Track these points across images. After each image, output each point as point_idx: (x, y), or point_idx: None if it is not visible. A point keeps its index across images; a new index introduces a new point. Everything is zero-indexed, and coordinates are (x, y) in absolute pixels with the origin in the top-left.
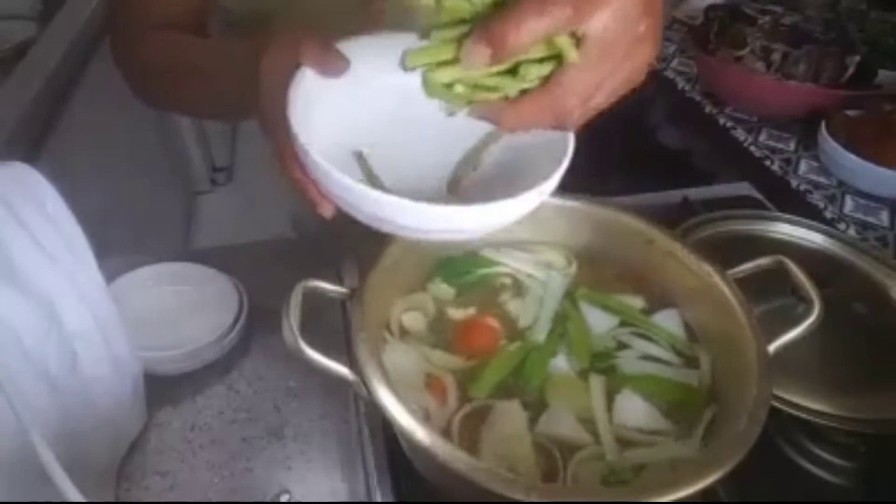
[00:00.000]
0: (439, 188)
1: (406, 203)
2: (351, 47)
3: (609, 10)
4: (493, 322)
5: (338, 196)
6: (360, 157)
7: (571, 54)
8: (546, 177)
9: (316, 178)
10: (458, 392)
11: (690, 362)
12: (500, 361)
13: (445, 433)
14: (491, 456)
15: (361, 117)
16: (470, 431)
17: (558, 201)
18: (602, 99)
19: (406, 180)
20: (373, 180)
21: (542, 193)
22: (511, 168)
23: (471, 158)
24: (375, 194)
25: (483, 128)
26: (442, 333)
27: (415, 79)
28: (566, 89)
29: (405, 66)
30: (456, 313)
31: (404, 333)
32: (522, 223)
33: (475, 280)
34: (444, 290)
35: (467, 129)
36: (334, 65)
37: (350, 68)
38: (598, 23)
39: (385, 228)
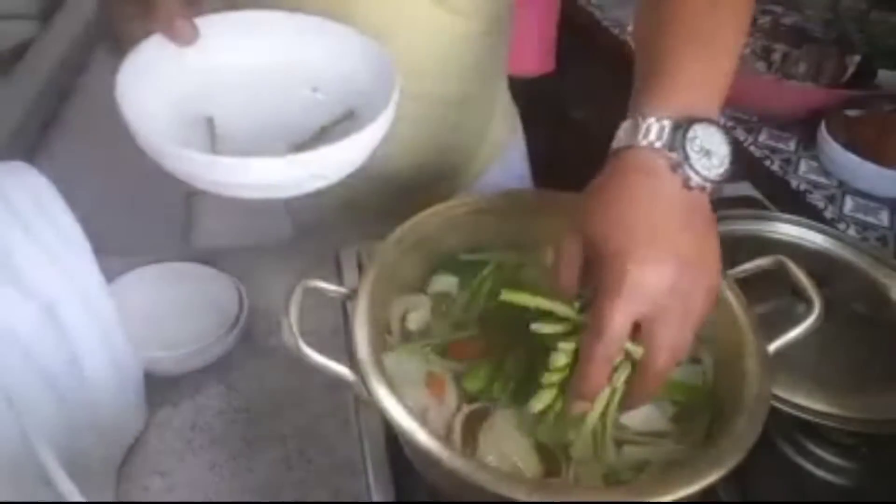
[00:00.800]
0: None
1: (218, 159)
2: (208, 21)
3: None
4: None
5: (161, 158)
6: (209, 122)
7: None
8: (356, 132)
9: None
10: (458, 392)
11: (691, 362)
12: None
13: (445, 433)
14: (491, 456)
15: (212, 88)
16: (470, 431)
17: (560, 201)
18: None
19: (247, 150)
20: (213, 145)
21: (342, 149)
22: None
23: (319, 135)
24: (187, 153)
25: (326, 112)
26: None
27: (268, 58)
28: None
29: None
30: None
31: (404, 333)
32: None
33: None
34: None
35: (315, 112)
36: (183, 33)
37: (205, 40)
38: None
39: (213, 189)
